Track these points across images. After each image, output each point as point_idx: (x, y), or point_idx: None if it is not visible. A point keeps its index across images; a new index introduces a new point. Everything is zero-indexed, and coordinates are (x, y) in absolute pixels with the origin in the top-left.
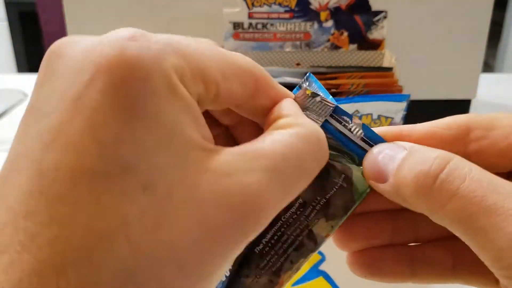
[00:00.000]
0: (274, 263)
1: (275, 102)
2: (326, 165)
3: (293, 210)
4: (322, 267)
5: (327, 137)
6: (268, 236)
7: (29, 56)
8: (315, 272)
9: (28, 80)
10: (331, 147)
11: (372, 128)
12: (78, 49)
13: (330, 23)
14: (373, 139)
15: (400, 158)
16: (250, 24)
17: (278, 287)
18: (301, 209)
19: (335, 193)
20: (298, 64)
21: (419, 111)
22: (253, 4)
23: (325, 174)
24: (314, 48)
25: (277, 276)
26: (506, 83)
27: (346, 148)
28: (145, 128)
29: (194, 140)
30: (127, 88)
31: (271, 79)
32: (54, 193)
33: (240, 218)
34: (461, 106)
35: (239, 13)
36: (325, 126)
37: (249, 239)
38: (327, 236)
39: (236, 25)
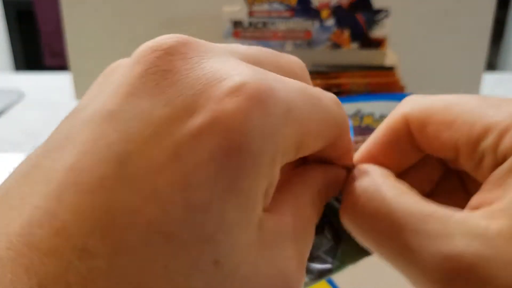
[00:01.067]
0: None
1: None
2: None
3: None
4: None
5: None
6: None
7: (27, 55)
8: None
9: (25, 79)
10: None
11: None
12: (196, 77)
13: (331, 22)
14: None
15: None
16: (250, 22)
17: None
18: None
19: None
20: None
21: None
22: (253, 3)
23: None
24: (315, 47)
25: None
26: (509, 82)
27: None
28: (235, 203)
29: (261, 216)
30: (238, 160)
31: (349, 132)
32: (122, 241)
33: None
34: None
35: (239, 11)
36: None
37: None
38: None
39: (236, 24)
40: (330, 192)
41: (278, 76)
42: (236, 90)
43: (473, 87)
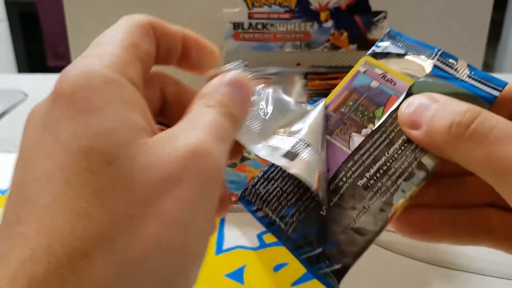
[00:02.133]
0: (383, 194)
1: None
2: None
3: (396, 146)
4: None
5: (436, 80)
6: (372, 171)
7: (29, 56)
8: None
9: (28, 80)
10: (442, 88)
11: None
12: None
13: (330, 23)
14: (480, 76)
15: (434, 108)
16: (250, 24)
17: (392, 215)
18: (405, 145)
19: None
20: (298, 64)
21: None
22: (253, 4)
23: None
24: (314, 48)
25: (389, 205)
26: None
27: (455, 85)
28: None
29: (142, 124)
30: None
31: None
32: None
33: (195, 164)
34: None
35: (239, 13)
36: (433, 71)
37: (213, 183)
38: (437, 165)
39: (236, 25)
40: None
41: None
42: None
43: None
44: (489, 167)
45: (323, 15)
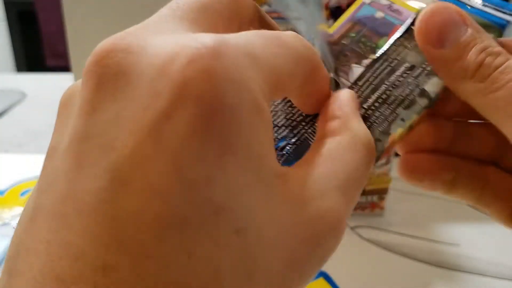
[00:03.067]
0: (380, 124)
1: (324, 92)
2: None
3: (398, 73)
4: (323, 268)
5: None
6: (370, 100)
7: (28, 56)
8: None
9: (27, 80)
10: None
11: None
12: (147, 64)
13: (330, 22)
14: (493, 3)
15: (467, 30)
16: None
17: (389, 145)
18: (408, 72)
19: None
20: None
21: None
22: None
23: None
24: (314, 47)
25: (386, 135)
26: None
27: (466, 11)
28: (236, 164)
29: (274, 169)
30: (219, 121)
31: (323, 66)
32: (138, 246)
33: (323, 244)
34: None
35: None
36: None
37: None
38: (441, 93)
39: None
40: None
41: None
42: (190, 59)
43: None
44: (504, 111)
45: (323, 14)
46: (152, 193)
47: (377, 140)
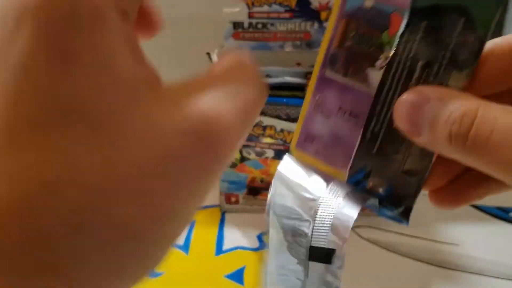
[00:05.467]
0: None
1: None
2: (439, 15)
3: (416, 75)
4: None
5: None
6: None
7: None
8: None
9: None
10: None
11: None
12: None
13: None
14: None
15: (428, 112)
16: (250, 23)
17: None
18: (426, 70)
19: (457, 40)
20: (298, 64)
21: None
22: (253, 4)
23: (441, 26)
24: (315, 48)
25: None
26: None
27: None
28: (82, 68)
29: (137, 73)
30: (55, 29)
31: None
32: None
33: (205, 141)
34: None
35: (239, 12)
36: None
37: (219, 167)
38: (464, 86)
39: (236, 25)
40: None
41: None
42: None
43: None
44: (499, 172)
45: (323, 15)
46: (3, 101)
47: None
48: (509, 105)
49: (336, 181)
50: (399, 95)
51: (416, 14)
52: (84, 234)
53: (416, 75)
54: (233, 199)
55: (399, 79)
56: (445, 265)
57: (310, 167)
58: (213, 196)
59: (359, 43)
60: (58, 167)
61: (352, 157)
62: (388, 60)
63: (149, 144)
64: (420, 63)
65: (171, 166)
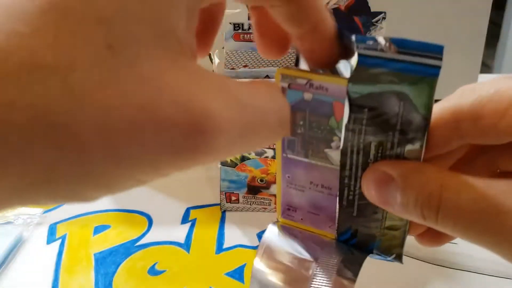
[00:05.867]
0: None
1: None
2: (379, 100)
3: (373, 152)
4: None
5: (364, 70)
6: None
7: None
8: None
9: None
10: (381, 82)
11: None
12: None
13: None
14: (408, 46)
15: (394, 190)
16: (250, 25)
17: None
18: (380, 149)
19: (402, 120)
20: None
21: None
22: None
23: (383, 111)
24: None
25: None
26: None
27: (389, 69)
28: (141, 10)
29: (179, 38)
30: None
31: None
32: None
33: (193, 127)
34: None
35: (239, 14)
36: (360, 61)
37: (195, 156)
38: (420, 153)
39: (236, 26)
40: None
41: None
42: None
43: None
44: (477, 239)
45: None
46: None
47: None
48: (463, 162)
49: (327, 250)
50: (363, 169)
51: (354, 103)
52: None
53: (372, 152)
54: (233, 198)
55: (357, 159)
56: (443, 263)
57: (295, 241)
58: (213, 195)
59: (310, 129)
60: (61, 59)
61: (336, 221)
62: (340, 148)
63: (142, 92)
64: (373, 144)
65: (146, 122)
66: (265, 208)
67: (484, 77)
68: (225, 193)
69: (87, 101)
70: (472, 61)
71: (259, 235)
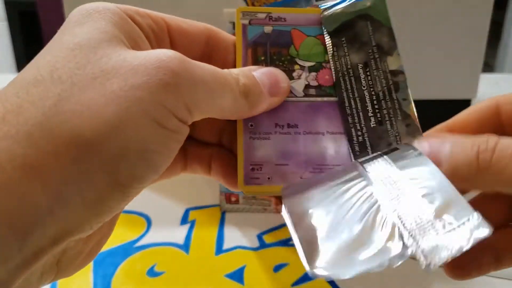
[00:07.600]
0: (395, 114)
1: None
2: (350, 26)
3: (363, 76)
4: None
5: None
6: (369, 107)
7: (29, 56)
8: None
9: None
10: (340, 14)
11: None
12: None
13: None
14: None
15: (449, 146)
16: None
17: (415, 119)
18: (367, 69)
19: (375, 36)
20: None
21: (419, 111)
22: (253, 4)
23: (356, 32)
24: None
25: (406, 117)
26: (506, 83)
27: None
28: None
29: (116, 37)
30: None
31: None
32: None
33: (158, 78)
34: (461, 106)
35: None
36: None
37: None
38: (400, 66)
39: None
40: None
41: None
42: None
43: (470, 88)
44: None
45: None
46: None
47: (406, 125)
48: None
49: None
50: (360, 99)
51: (333, 35)
52: None
53: (362, 76)
54: (233, 198)
55: (352, 88)
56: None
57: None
58: (213, 196)
59: (272, 62)
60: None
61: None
62: (334, 78)
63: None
64: (359, 66)
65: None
66: (265, 209)
67: (486, 77)
68: (224, 193)
69: None
70: (474, 60)
71: (259, 236)
